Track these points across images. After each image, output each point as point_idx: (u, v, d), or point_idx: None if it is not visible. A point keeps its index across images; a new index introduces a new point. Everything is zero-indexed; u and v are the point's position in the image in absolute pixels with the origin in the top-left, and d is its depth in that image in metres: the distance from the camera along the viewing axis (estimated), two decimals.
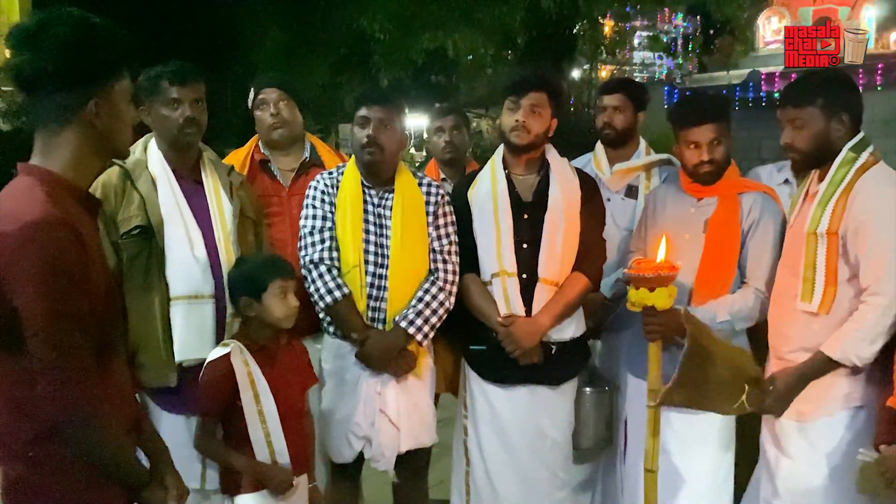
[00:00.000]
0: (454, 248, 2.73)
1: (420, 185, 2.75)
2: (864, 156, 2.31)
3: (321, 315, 2.69)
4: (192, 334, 2.41)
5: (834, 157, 2.34)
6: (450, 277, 2.70)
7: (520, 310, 2.68)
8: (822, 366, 2.31)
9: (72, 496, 1.57)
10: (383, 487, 3.02)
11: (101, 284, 1.59)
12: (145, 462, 1.79)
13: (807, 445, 2.38)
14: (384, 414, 2.63)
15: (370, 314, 2.62)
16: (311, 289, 2.59)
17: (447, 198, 2.80)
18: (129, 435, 1.70)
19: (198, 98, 2.52)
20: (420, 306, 2.63)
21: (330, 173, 2.73)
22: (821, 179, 2.39)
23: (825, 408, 2.34)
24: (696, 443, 2.67)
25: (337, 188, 2.67)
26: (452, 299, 2.71)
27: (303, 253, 2.64)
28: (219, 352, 2.29)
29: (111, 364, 1.64)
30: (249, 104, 3.08)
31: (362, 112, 2.63)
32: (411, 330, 2.61)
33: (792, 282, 2.39)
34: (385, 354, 2.61)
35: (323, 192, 2.67)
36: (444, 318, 2.69)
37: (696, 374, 2.25)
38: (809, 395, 2.35)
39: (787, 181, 3.31)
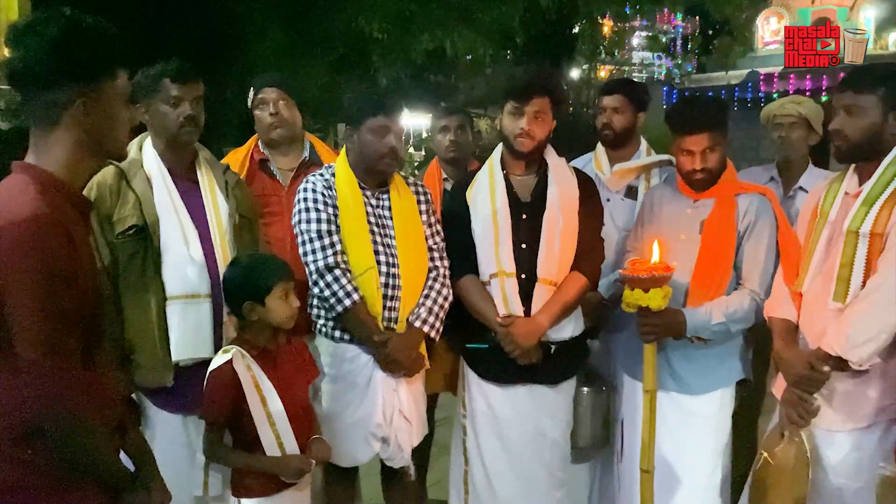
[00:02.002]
0: (444, 242, 2.78)
1: (407, 184, 2.78)
2: None
3: (320, 320, 2.68)
4: (188, 334, 2.41)
5: (879, 154, 2.27)
6: (447, 272, 2.75)
7: (518, 310, 2.68)
8: (820, 361, 2.27)
9: (54, 496, 1.56)
10: (380, 486, 3.02)
11: (89, 285, 1.59)
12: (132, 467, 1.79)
13: (836, 456, 2.32)
14: (400, 412, 2.65)
15: (385, 314, 2.62)
16: (327, 293, 2.56)
17: (430, 195, 2.84)
18: (113, 437, 1.69)
19: (197, 97, 2.52)
20: (430, 303, 2.66)
21: (321, 174, 2.71)
22: (861, 177, 2.33)
23: (858, 418, 2.29)
24: (693, 443, 2.67)
25: (333, 190, 2.66)
26: (452, 292, 2.73)
27: (311, 258, 2.60)
28: (220, 359, 2.27)
29: (96, 364, 1.64)
30: (249, 104, 3.08)
31: (382, 121, 2.61)
32: (426, 328, 2.64)
33: (828, 280, 2.32)
34: (408, 357, 2.62)
35: (323, 195, 2.64)
36: (447, 311, 2.72)
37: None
38: (841, 405, 2.31)
39: (772, 179, 3.33)
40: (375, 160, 2.63)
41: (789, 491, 2.32)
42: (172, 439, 2.42)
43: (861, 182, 2.33)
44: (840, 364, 2.23)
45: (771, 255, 2.58)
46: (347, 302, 2.55)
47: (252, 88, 3.08)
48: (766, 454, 2.39)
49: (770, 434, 2.43)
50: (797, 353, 2.34)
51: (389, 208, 2.70)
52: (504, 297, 2.68)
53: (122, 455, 1.77)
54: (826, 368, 2.25)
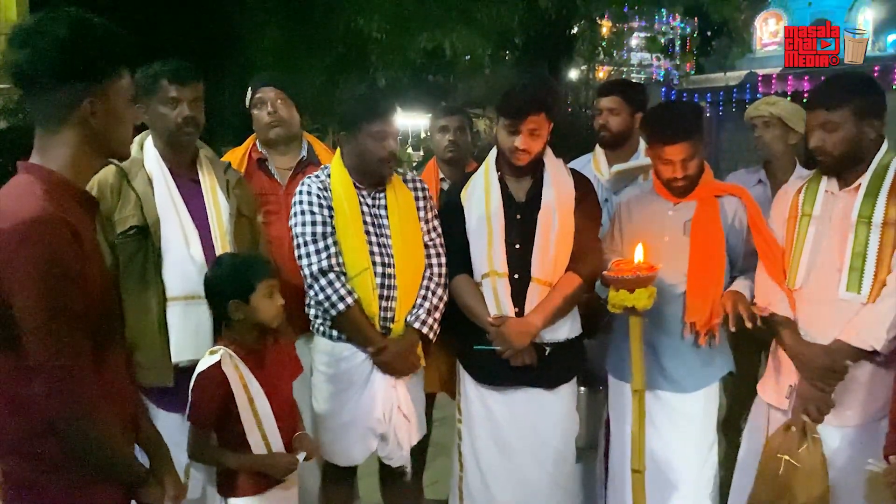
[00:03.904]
0: (441, 240, 2.77)
1: (405, 181, 2.77)
2: None
3: (318, 319, 2.68)
4: (188, 335, 2.40)
5: (862, 161, 2.33)
6: (443, 270, 2.74)
7: (509, 310, 2.66)
8: (843, 354, 2.27)
9: (68, 493, 1.58)
10: (378, 486, 3.02)
11: (98, 282, 1.59)
12: (145, 461, 1.79)
13: (852, 452, 2.31)
14: (399, 409, 2.65)
15: (381, 314, 2.62)
16: (321, 297, 2.57)
17: (429, 192, 2.83)
18: (126, 432, 1.70)
19: (196, 98, 2.51)
20: (427, 304, 2.66)
21: (317, 176, 2.71)
22: (841, 178, 2.38)
23: (875, 412, 2.29)
24: (680, 442, 2.68)
25: (328, 191, 2.66)
26: (447, 291, 2.74)
27: (306, 262, 2.60)
28: (208, 361, 2.25)
29: (108, 362, 1.64)
30: (247, 103, 3.08)
31: (380, 126, 2.60)
32: (424, 329, 2.64)
33: (831, 273, 2.34)
34: (405, 362, 2.63)
35: (318, 197, 2.64)
36: (443, 311, 2.72)
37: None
38: (854, 400, 2.31)
39: (760, 181, 3.35)
40: (375, 165, 2.64)
41: (816, 489, 2.30)
42: (172, 439, 2.38)
43: (840, 182, 2.39)
44: (862, 355, 2.26)
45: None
46: (341, 306, 2.56)
47: (250, 88, 3.09)
48: (787, 458, 2.33)
49: (782, 436, 2.38)
50: (814, 346, 2.35)
51: (385, 207, 2.69)
52: (495, 297, 2.67)
53: (137, 449, 1.78)
54: (848, 362, 2.28)
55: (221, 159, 2.86)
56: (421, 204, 2.75)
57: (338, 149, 2.76)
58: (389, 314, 2.63)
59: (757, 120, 3.36)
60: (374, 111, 2.61)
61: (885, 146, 2.34)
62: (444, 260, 2.75)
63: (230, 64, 10.41)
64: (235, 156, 3.06)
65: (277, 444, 2.30)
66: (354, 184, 2.67)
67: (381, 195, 2.71)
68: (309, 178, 2.72)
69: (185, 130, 2.49)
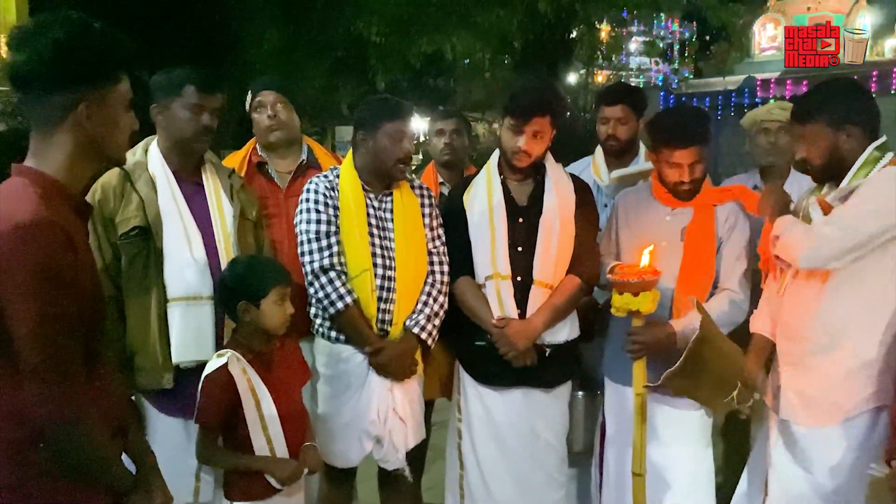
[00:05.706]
0: (444, 248, 2.78)
1: (412, 187, 2.78)
2: (890, 156, 2.30)
3: (318, 320, 2.69)
4: (189, 336, 2.40)
5: (850, 167, 2.31)
6: (445, 278, 2.75)
7: (513, 312, 2.68)
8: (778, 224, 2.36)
9: (56, 499, 1.57)
10: (377, 489, 3.01)
11: (89, 288, 1.59)
12: (133, 468, 1.79)
13: (831, 451, 2.31)
14: (395, 412, 2.65)
15: (379, 316, 2.63)
16: (321, 294, 2.58)
17: (434, 199, 2.83)
18: (115, 439, 1.70)
19: (217, 108, 2.52)
20: (427, 310, 2.67)
21: (325, 176, 2.73)
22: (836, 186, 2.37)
23: (845, 410, 2.29)
24: (677, 444, 2.69)
25: (335, 191, 2.67)
26: (447, 298, 2.74)
27: (308, 259, 2.62)
28: (215, 363, 2.26)
29: (97, 368, 1.64)
30: (247, 107, 3.08)
31: (399, 126, 2.63)
32: (423, 335, 2.65)
33: (812, 282, 2.34)
34: (401, 365, 2.63)
35: (325, 196, 2.65)
36: (443, 318, 2.72)
37: (700, 363, 2.27)
38: (827, 398, 2.31)
39: (756, 187, 3.34)
40: (390, 165, 2.65)
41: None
42: (174, 443, 2.40)
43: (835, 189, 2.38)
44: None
45: (745, 256, 2.66)
46: (340, 304, 2.56)
47: (250, 91, 3.09)
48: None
49: None
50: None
51: (391, 211, 2.70)
52: (499, 299, 2.69)
53: (124, 457, 1.77)
54: None
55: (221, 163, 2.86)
56: (426, 210, 2.76)
57: (349, 150, 2.77)
58: (387, 317, 2.64)
59: (771, 124, 3.32)
60: (395, 111, 2.65)
61: (868, 151, 2.31)
62: (446, 268, 2.76)
63: (230, 67, 10.43)
64: (235, 160, 3.06)
65: (282, 450, 2.30)
66: (363, 186, 2.68)
67: (388, 199, 2.72)
68: (317, 177, 2.73)
69: (202, 139, 2.50)
